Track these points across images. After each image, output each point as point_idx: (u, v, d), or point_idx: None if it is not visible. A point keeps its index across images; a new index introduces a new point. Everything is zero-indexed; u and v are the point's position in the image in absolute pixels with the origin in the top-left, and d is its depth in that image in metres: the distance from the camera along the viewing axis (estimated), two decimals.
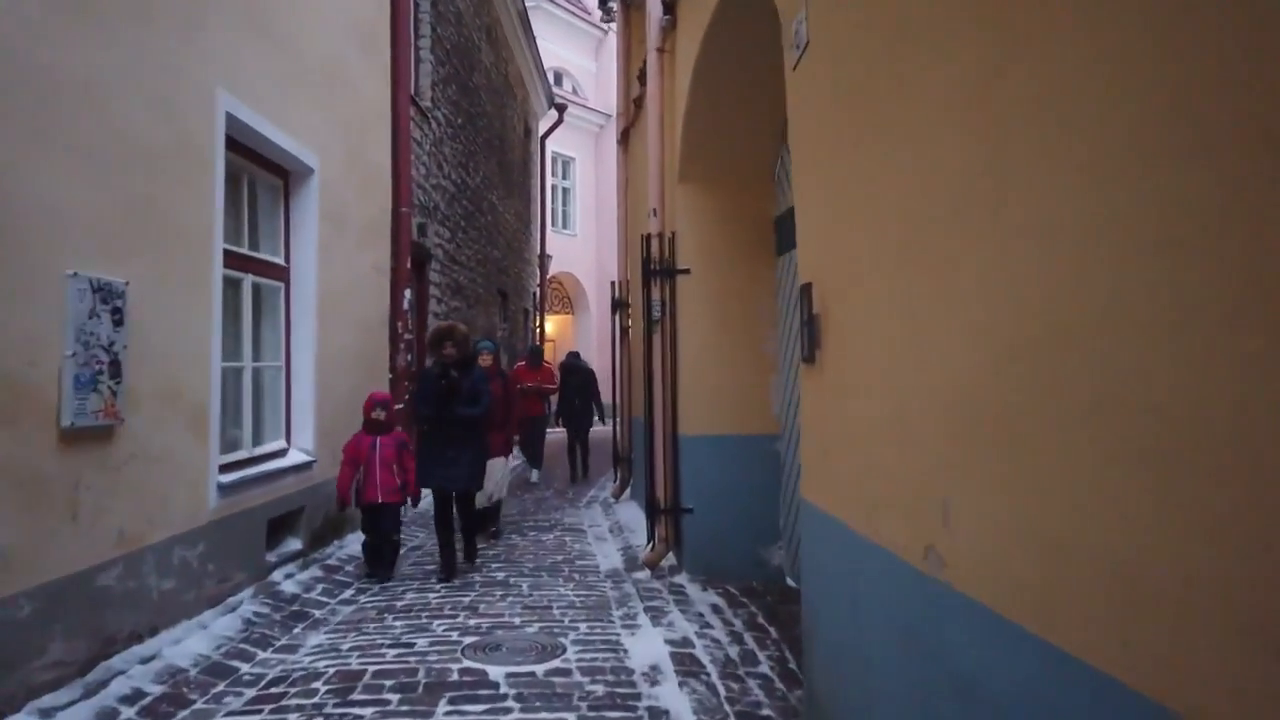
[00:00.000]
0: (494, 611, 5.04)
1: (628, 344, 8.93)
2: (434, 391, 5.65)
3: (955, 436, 1.88)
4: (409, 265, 8.18)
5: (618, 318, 9.18)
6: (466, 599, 5.32)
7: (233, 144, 5.11)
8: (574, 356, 11.72)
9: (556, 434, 12.22)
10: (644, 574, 5.91)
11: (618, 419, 9.60)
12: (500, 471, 7.09)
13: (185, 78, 4.42)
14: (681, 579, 5.74)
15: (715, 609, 5.11)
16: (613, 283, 9.24)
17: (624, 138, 8.92)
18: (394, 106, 8.04)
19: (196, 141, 4.52)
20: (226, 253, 5.02)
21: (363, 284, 7.34)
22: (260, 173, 5.72)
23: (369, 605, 5.20)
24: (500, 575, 5.95)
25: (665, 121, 5.93)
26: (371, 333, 7.56)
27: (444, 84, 10.46)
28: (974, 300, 1.79)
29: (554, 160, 24.23)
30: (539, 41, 18.56)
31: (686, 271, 5.80)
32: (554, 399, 11.43)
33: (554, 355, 20.39)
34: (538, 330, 19.64)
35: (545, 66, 19.98)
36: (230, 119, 4.87)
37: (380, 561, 5.85)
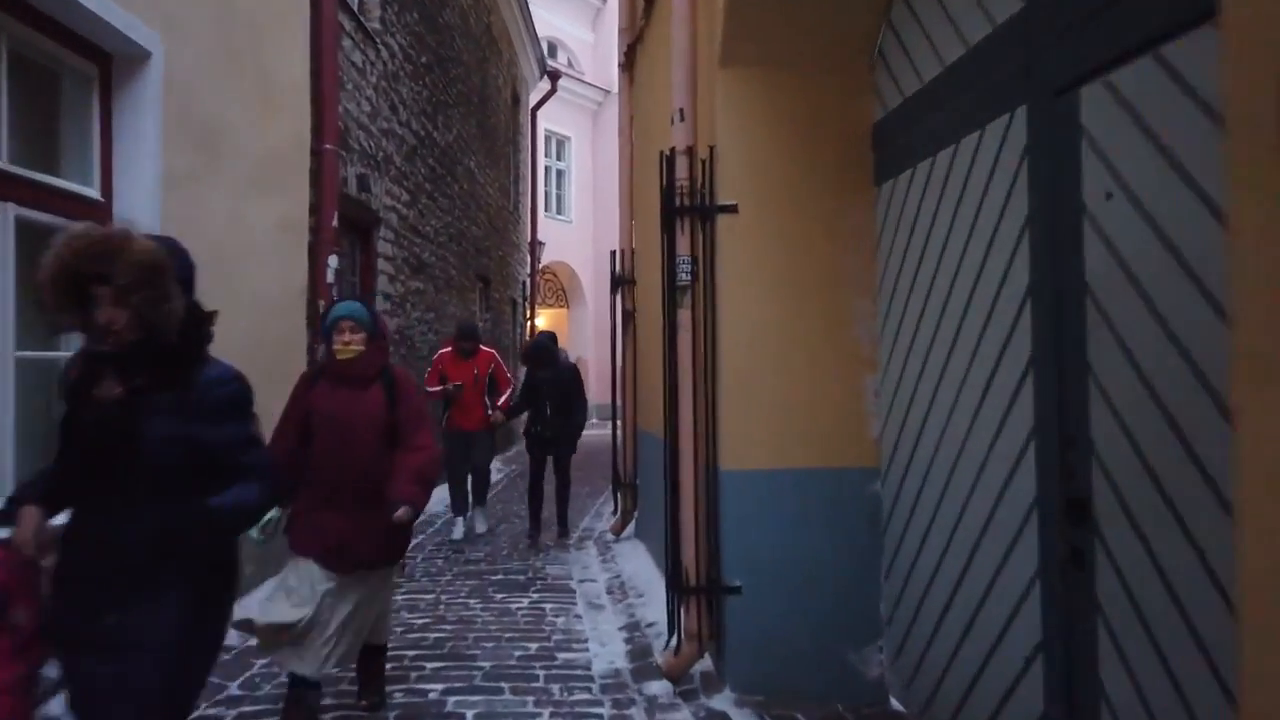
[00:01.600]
0: None
1: (632, 332, 6.76)
2: (76, 435, 1.94)
3: None
4: (335, 224, 6.01)
5: (619, 298, 7.00)
6: None
7: None
8: (547, 339, 7.32)
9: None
10: (662, 687, 3.74)
11: (619, 431, 7.43)
12: (376, 604, 3.37)
13: None
14: (723, 702, 3.57)
15: None
16: (612, 253, 7.07)
17: (628, 60, 6.74)
18: (314, 6, 5.86)
19: None
20: None
21: (260, 244, 5.16)
22: (42, 42, 3.53)
23: None
24: (434, 691, 3.76)
25: None
26: (277, 314, 5.38)
27: (400, 6, 8.28)
28: None
29: (548, 139, 22.15)
30: (531, 7, 16.39)
31: (732, 209, 3.63)
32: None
33: None
34: (528, 324, 17.44)
35: (538, 35, 17.76)
36: None
37: None
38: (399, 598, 5.21)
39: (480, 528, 7.11)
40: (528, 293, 17.79)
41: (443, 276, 10.11)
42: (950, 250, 2.98)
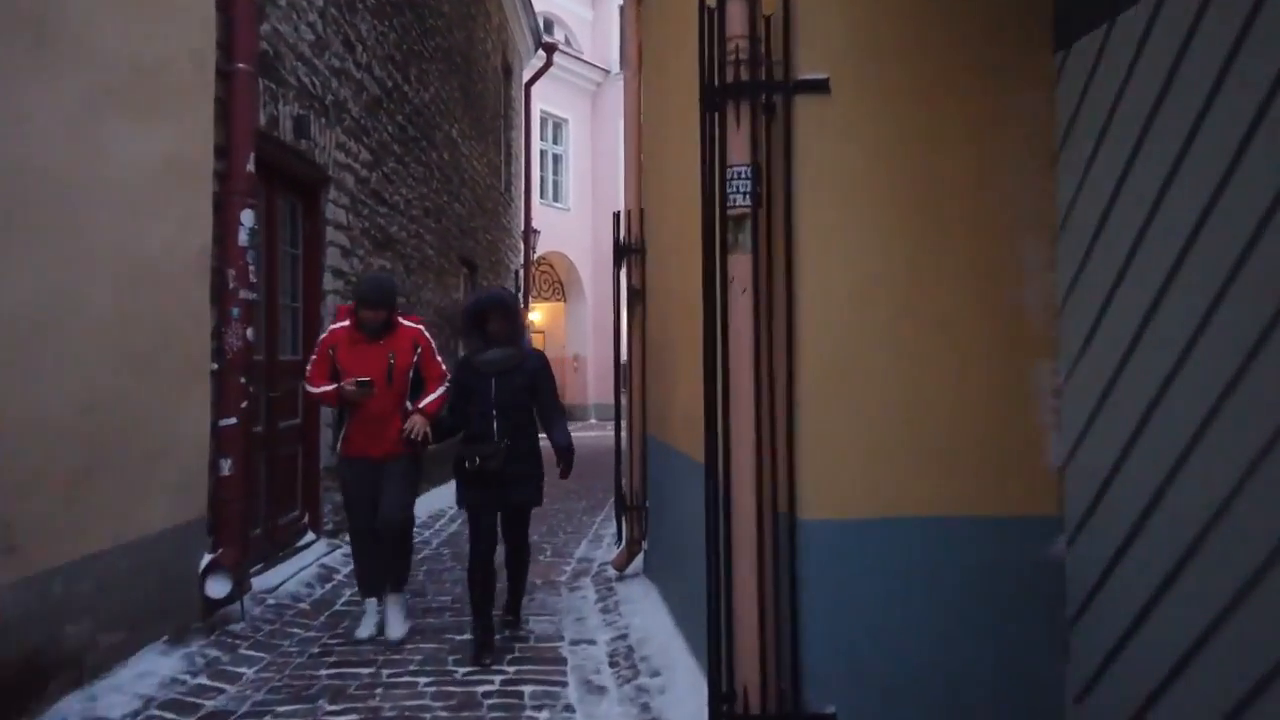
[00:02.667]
0: None
1: (641, 314, 5.33)
2: None
3: None
4: (251, 168, 4.56)
5: (623, 273, 5.57)
6: None
7: None
8: (505, 294, 4.37)
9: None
10: None
11: (623, 440, 6.01)
12: None
13: None
14: None
15: None
16: (615, 214, 5.63)
17: None
18: None
19: None
20: None
21: (132, 184, 3.71)
22: None
23: None
24: None
25: None
26: (160, 283, 3.91)
27: None
28: None
29: (543, 121, 20.79)
30: None
31: (821, 86, 2.19)
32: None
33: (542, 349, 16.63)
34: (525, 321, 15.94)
35: (534, 8, 16.34)
36: None
37: None
38: (322, 674, 3.77)
39: (396, 631, 4.15)
40: (521, 282, 16.36)
41: (416, 256, 8.66)
42: (1265, 134, 1.54)
